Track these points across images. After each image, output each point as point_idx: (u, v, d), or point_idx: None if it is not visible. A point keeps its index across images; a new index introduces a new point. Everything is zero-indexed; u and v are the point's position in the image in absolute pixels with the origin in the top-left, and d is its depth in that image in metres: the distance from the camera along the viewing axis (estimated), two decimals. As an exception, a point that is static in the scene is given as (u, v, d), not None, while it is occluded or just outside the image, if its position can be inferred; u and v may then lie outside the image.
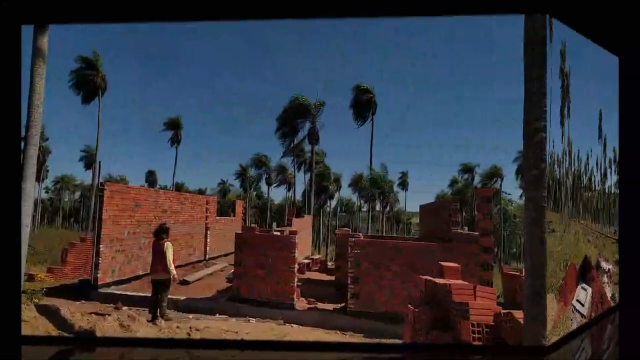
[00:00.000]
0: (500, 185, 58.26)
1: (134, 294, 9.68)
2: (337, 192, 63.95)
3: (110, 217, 10.07)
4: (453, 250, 8.94)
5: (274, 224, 15.68)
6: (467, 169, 59.68)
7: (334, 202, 74.55)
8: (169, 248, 7.85)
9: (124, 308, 8.61)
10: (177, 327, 6.91)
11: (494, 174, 56.91)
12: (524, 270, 4.51)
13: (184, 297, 9.38)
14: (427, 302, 6.42)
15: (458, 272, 6.50)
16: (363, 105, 36.43)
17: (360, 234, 13.10)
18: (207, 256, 15.62)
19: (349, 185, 67.14)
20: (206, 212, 16.05)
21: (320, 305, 10.04)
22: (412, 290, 8.69)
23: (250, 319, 8.68)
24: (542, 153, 4.34)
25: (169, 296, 8.22)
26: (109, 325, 6.29)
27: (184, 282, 10.87)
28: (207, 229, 15.83)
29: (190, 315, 8.50)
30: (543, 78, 4.44)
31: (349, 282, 9.03)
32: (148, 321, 7.17)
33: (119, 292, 9.72)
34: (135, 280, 10.94)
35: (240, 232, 9.82)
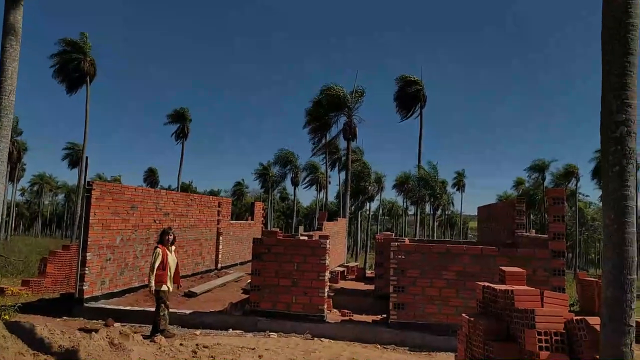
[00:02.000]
0: (576, 186, 56.59)
1: (128, 308, 10.05)
2: (379, 194, 64.04)
3: (100, 221, 10.43)
4: (518, 257, 8.77)
5: (301, 228, 15.88)
6: (538, 168, 58.27)
7: (374, 205, 74.79)
8: (155, 253, 8.21)
9: (116, 324, 8.89)
10: (181, 344, 7.15)
11: (569, 173, 55.38)
12: (602, 275, 4.41)
13: (190, 312, 9.71)
14: (485, 311, 6.36)
15: (523, 277, 6.40)
16: (410, 98, 36.89)
17: (405, 239, 13.14)
18: (219, 265, 16.06)
19: (394, 187, 67.20)
20: (218, 215, 16.48)
21: (356, 317, 10.24)
22: (468, 300, 8.64)
23: (271, 333, 8.91)
24: (626, 148, 4.26)
25: (171, 310, 8.56)
26: (96, 344, 6.07)
27: (190, 295, 11.26)
28: (219, 234, 16.27)
29: (198, 332, 8.81)
30: (628, 59, 4.34)
31: (392, 291, 9.10)
32: (144, 337, 7.43)
33: (109, 307, 10.05)
34: (130, 292, 11.38)
35: (259, 237, 10.05)
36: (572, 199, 54.45)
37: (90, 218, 10.15)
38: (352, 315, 10.44)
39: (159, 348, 6.80)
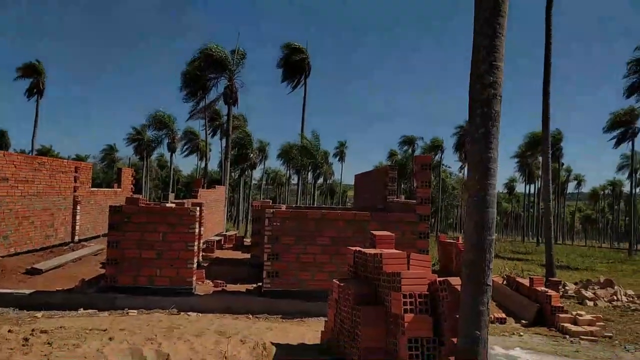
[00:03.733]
0: (441, 158, 62.84)
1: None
2: (263, 163, 63.38)
3: None
4: (389, 221, 8.98)
5: (172, 196, 14.72)
6: (408, 141, 63.47)
7: (259, 174, 74.05)
8: None
9: None
10: (10, 331, 5.97)
11: (436, 146, 61.22)
12: (463, 238, 4.46)
13: (31, 291, 8.32)
14: (356, 276, 6.28)
15: (392, 240, 6.43)
16: (295, 66, 36.23)
17: (282, 206, 12.87)
18: (77, 238, 14.27)
19: (278, 156, 67.18)
20: (75, 181, 14.53)
21: (230, 287, 9.82)
22: (341, 265, 8.63)
23: (131, 311, 8.00)
24: (492, 111, 4.24)
25: (7, 291, 7.20)
26: None
27: (34, 272, 9.69)
28: (76, 203, 14.36)
29: (39, 314, 7.54)
30: (498, 21, 4.27)
31: (265, 259, 8.74)
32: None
33: None
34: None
35: (116, 204, 8.89)
36: (437, 169, 59.89)
37: None
38: (226, 286, 9.98)
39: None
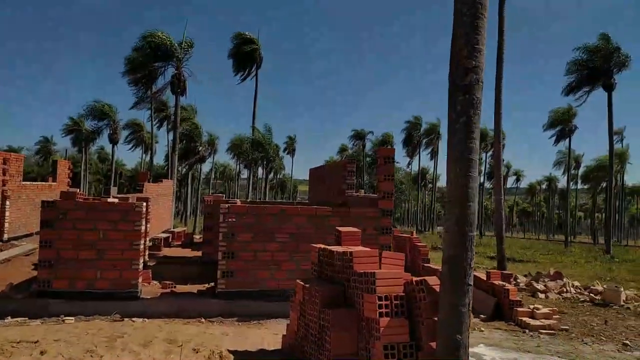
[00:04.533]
0: (391, 153, 64.20)
1: None
2: (212, 157, 61.57)
3: None
4: (351, 216, 8.64)
5: (114, 189, 13.65)
6: (359, 136, 64.15)
7: (207, 168, 71.92)
8: None
9: None
10: None
11: (386, 142, 62.39)
12: (443, 233, 4.16)
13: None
14: (320, 275, 5.88)
15: (358, 237, 6.09)
16: (245, 57, 35.28)
17: (237, 200, 12.22)
18: (6, 236, 12.94)
19: (228, 150, 65.49)
20: (3, 174, 13.15)
21: (180, 288, 9.15)
22: (301, 262, 8.22)
23: (67, 318, 7.19)
24: (474, 98, 3.95)
25: None
26: None
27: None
28: (4, 198, 13.00)
29: (-44, 325, 6.57)
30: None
31: (220, 258, 8.13)
32: None
33: None
34: None
35: (50, 199, 7.98)
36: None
37: None
38: (175, 287, 9.27)
39: None
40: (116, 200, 8.08)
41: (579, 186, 59.79)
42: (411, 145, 60.56)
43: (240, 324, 7.66)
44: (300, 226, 8.44)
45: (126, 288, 7.83)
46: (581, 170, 57.42)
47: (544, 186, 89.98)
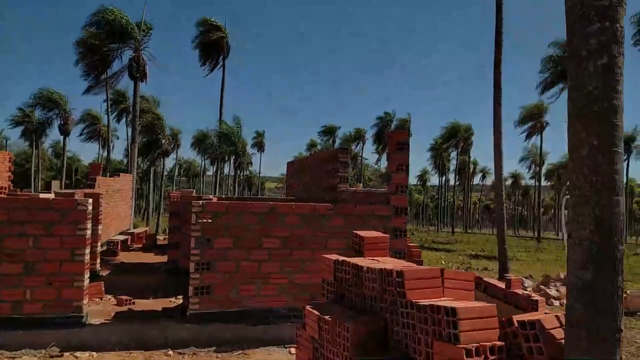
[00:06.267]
0: (362, 149, 63.07)
1: None
2: (176, 152, 58.51)
3: None
4: (356, 215, 7.01)
5: (55, 183, 11.56)
6: (329, 131, 62.69)
7: (170, 164, 68.65)
8: None
9: None
10: None
11: (357, 137, 61.19)
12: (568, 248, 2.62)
13: None
14: (338, 298, 4.23)
15: (385, 245, 4.50)
16: (212, 45, 33.20)
17: (212, 196, 10.36)
18: None
19: (192, 145, 62.49)
20: None
21: (140, 304, 7.32)
22: (294, 275, 6.55)
23: (-18, 359, 5.24)
24: (616, 26, 2.41)
25: None
26: None
27: None
28: None
29: None
30: None
31: (192, 269, 6.31)
32: None
33: None
34: None
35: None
36: (355, 160, 59.77)
37: None
38: (134, 303, 7.43)
39: None
40: (52, 196, 6.12)
41: (543, 183, 60.66)
42: (382, 142, 59.66)
43: (219, 355, 5.92)
44: (293, 228, 6.73)
45: (67, 312, 5.90)
46: (545, 167, 58.22)
47: (508, 183, 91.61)
